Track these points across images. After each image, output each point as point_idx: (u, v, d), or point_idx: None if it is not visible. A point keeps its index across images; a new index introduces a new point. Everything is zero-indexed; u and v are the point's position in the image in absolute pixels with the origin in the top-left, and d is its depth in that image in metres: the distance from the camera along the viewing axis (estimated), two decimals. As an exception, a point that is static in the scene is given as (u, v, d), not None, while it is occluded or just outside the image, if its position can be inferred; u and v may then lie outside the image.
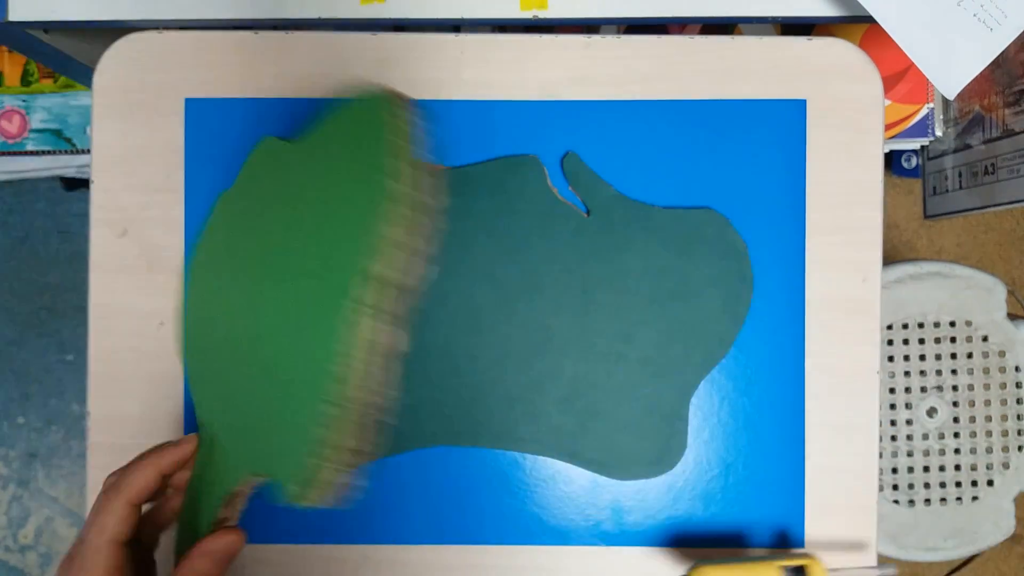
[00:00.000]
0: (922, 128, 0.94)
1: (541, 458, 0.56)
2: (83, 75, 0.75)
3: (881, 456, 0.81)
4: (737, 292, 0.55)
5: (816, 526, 0.56)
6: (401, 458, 0.56)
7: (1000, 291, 0.82)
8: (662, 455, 0.56)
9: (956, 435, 0.82)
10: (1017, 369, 0.82)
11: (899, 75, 0.91)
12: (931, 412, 0.82)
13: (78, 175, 0.95)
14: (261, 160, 0.50)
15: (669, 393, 0.55)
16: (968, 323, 0.82)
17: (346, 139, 0.43)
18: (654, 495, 0.56)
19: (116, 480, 0.41)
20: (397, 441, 0.55)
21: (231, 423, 0.44)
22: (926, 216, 1.07)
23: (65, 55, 0.68)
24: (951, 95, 0.55)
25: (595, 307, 0.55)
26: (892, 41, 0.54)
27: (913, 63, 0.55)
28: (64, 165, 0.92)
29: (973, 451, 0.82)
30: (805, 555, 0.50)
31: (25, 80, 0.89)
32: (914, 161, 1.07)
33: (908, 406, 0.83)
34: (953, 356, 0.82)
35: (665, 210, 0.56)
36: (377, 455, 0.54)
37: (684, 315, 0.55)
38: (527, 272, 0.55)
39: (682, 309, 0.55)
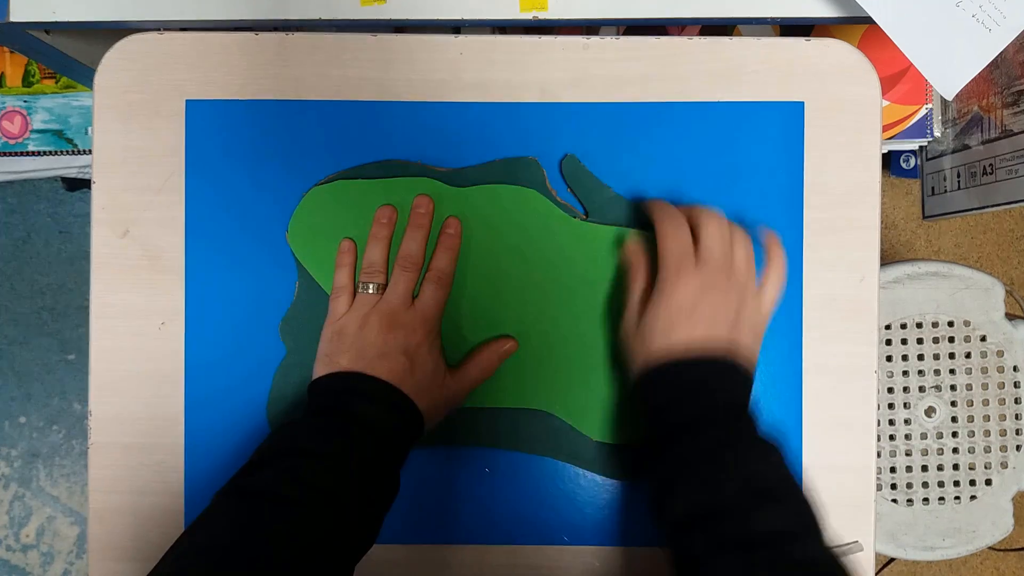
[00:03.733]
0: (920, 129, 0.94)
1: (541, 458, 0.56)
2: (84, 76, 0.75)
3: (879, 455, 0.81)
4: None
5: (814, 525, 0.56)
6: (401, 457, 0.56)
7: (998, 291, 0.82)
8: (661, 454, 0.56)
9: (954, 434, 0.82)
10: (1015, 369, 0.82)
11: (898, 76, 0.91)
12: (929, 412, 0.83)
13: (79, 176, 0.96)
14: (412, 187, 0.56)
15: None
16: (966, 323, 0.82)
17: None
18: (653, 494, 0.56)
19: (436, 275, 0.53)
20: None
21: None
22: (924, 216, 1.07)
23: (66, 56, 0.68)
24: (949, 96, 0.55)
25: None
26: (891, 42, 0.54)
27: (912, 64, 0.55)
28: (65, 166, 0.92)
29: (971, 450, 0.82)
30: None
31: (26, 81, 0.90)
32: (912, 161, 1.07)
33: (906, 405, 0.83)
34: (951, 356, 0.82)
35: (664, 210, 0.56)
36: None
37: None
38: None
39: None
